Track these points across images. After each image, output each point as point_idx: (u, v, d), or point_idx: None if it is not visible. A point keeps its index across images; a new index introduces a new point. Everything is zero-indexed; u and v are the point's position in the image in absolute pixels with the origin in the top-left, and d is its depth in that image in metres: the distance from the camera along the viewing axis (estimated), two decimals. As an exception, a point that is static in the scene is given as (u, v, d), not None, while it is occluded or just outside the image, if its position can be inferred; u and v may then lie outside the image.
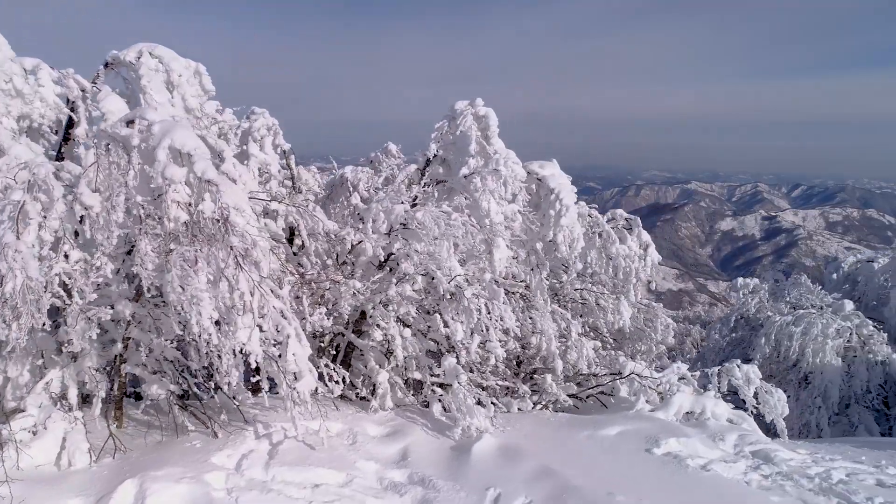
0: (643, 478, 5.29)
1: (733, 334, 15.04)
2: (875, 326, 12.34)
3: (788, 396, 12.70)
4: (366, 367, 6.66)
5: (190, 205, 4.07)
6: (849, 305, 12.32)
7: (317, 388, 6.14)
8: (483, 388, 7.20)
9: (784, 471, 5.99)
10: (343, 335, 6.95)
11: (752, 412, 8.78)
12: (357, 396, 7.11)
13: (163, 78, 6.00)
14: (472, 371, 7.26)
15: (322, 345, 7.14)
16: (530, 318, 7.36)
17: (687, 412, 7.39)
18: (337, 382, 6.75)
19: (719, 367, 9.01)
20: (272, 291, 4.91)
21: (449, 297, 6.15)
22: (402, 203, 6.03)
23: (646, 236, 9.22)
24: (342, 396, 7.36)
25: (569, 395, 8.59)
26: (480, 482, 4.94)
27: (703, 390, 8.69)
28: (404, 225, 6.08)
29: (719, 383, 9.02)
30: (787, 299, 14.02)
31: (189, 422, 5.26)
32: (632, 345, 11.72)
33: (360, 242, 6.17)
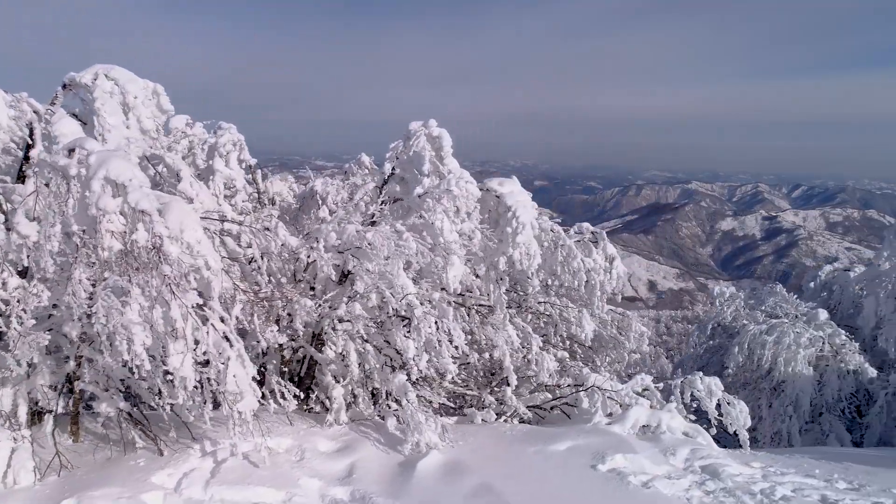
0: (583, 495, 5.40)
1: (711, 342, 15.14)
2: (848, 336, 12.45)
3: (760, 406, 12.82)
4: (323, 381, 6.78)
5: (124, 234, 4.18)
6: (823, 315, 12.42)
7: (272, 404, 6.26)
8: (440, 403, 7.31)
9: (728, 486, 6.09)
10: (305, 349, 7.07)
11: (714, 423, 8.90)
12: (324, 409, 7.23)
13: (119, 100, 6.11)
14: (430, 386, 7.37)
15: (285, 358, 7.26)
16: (484, 334, 7.48)
17: (644, 425, 7.49)
18: (296, 397, 6.88)
19: (682, 378, 9.12)
20: (217, 314, 5.03)
21: (400, 315, 6.26)
22: (353, 224, 6.14)
23: (611, 249, 9.32)
24: (309, 409, 7.49)
25: (533, 407, 8.70)
26: (420, 499, 5.05)
27: (665, 402, 8.80)
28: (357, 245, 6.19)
29: (682, 395, 9.13)
30: (763, 308, 14.12)
31: (139, 438, 5.38)
32: (606, 353, 11.84)
33: (314, 261, 6.28)
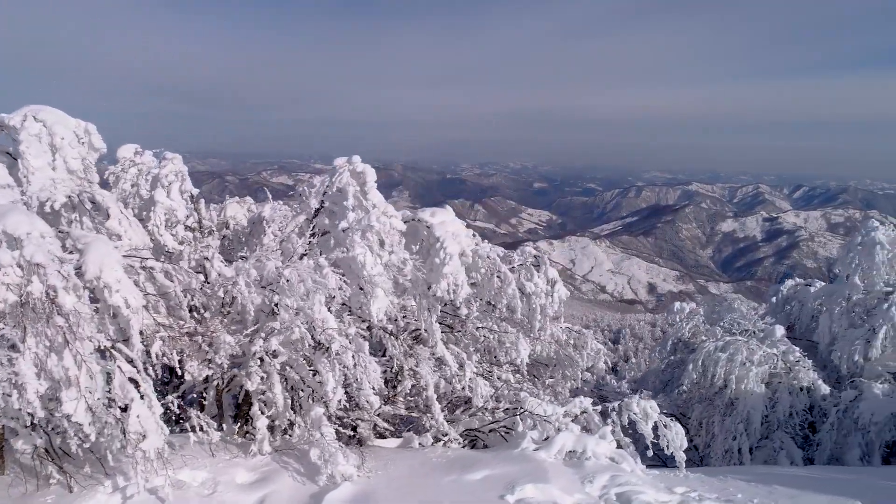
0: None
1: (672, 357, 15.29)
2: (803, 353, 12.60)
3: (713, 422, 12.98)
4: (249, 411, 6.97)
5: (20, 286, 4.38)
6: (779, 331, 12.58)
7: (197, 435, 6.46)
8: (384, 427, 7.49)
9: (637, 516, 6.26)
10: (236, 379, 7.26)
11: (651, 445, 9.08)
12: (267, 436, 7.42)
13: (47, 141, 6.32)
14: (361, 417, 7.56)
15: (219, 388, 7.45)
16: (407, 364, 7.66)
17: (570, 451, 7.66)
18: (221, 428, 7.06)
19: (620, 401, 9.29)
20: (124, 355, 5.23)
21: (320, 348, 6.46)
22: (271, 261, 6.33)
23: (553, 273, 9.50)
24: (246, 433, 7.69)
25: (470, 430, 8.89)
26: (320, 534, 5.23)
27: (601, 426, 8.98)
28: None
29: (620, 417, 9.33)
30: (722, 324, 14.29)
31: (56, 473, 5.57)
32: (562, 371, 12.01)
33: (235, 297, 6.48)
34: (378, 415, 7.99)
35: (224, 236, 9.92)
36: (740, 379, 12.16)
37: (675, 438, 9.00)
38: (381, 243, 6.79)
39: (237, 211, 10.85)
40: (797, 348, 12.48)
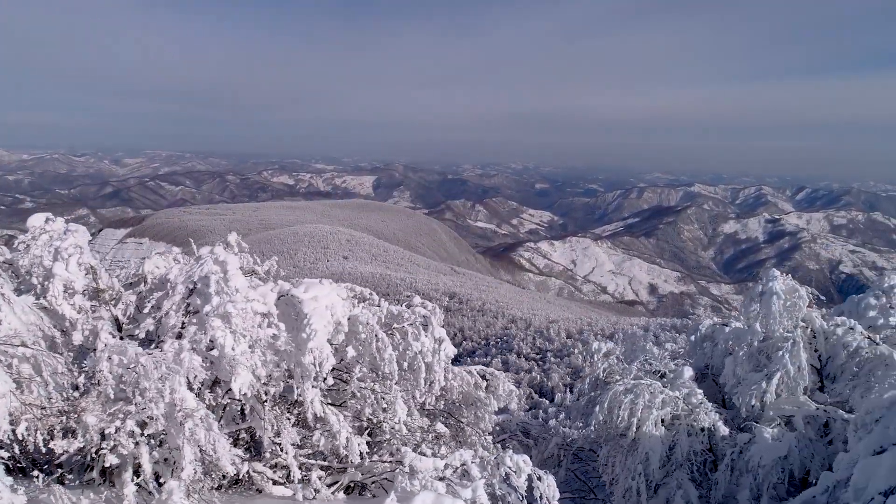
0: None
1: (591, 394, 15.86)
2: (706, 395, 13.19)
3: (615, 462, 13.60)
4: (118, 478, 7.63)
5: None
6: (687, 373, 13.16)
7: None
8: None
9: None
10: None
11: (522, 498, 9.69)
12: None
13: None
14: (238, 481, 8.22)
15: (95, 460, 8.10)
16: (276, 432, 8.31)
17: (429, 510, 8.26)
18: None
19: (495, 455, 9.92)
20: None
21: (175, 426, 7.10)
22: (130, 346, 6.98)
23: (440, 332, 10.11)
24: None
25: (353, 482, 9.53)
26: None
27: (477, 479, 9.59)
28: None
29: (498, 471, 9.94)
30: (636, 363, 14.87)
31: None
32: (474, 412, 12.62)
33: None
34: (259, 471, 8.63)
35: (139, 293, 10.56)
36: (642, 421, 12.79)
37: (548, 490, 9.60)
38: (246, 323, 7.43)
39: (158, 264, 11.49)
40: (700, 391, 13.07)
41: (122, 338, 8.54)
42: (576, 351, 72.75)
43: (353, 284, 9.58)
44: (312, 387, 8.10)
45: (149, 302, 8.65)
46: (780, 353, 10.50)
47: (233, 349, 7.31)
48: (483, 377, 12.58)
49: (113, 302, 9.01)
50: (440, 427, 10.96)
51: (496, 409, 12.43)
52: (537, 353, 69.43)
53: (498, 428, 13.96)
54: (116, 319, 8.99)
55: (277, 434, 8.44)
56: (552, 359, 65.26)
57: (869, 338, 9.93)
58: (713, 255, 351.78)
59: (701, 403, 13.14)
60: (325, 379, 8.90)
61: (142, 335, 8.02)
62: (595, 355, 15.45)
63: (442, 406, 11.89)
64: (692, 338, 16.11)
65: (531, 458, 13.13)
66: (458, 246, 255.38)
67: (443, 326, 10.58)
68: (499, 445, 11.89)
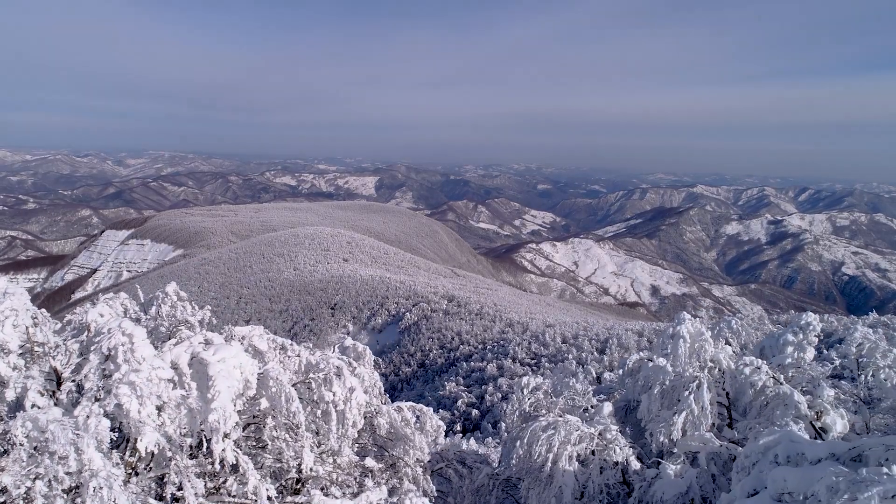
0: None
1: (518, 427, 16.64)
2: (619, 431, 14.03)
3: (531, 496, 14.46)
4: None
5: None
6: (606, 409, 13.98)
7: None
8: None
9: None
10: None
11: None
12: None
13: None
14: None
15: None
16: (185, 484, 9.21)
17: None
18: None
19: (397, 498, 10.81)
20: None
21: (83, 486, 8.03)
22: (42, 413, 7.89)
23: (351, 382, 11.00)
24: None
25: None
26: None
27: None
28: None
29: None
30: (562, 398, 15.72)
31: None
32: (404, 449, 13.50)
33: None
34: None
35: (82, 342, 11.48)
36: (558, 456, 13.64)
37: (448, 529, 10.50)
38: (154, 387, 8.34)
39: (103, 312, 12.40)
40: (615, 427, 13.87)
41: (59, 386, 9.46)
42: (570, 356, 73.69)
43: (275, 336, 10.58)
44: (223, 438, 9.04)
45: (68, 367, 9.65)
46: (687, 392, 11.46)
47: (138, 413, 8.24)
48: (415, 414, 13.56)
49: (52, 355, 9.92)
50: (370, 462, 11.93)
51: (422, 446, 13.34)
52: (532, 358, 70.08)
53: (438, 456, 14.91)
54: (55, 370, 9.89)
55: (179, 487, 9.37)
56: (546, 364, 65.95)
57: (773, 377, 10.72)
58: (715, 257, 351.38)
59: (615, 439, 14.06)
60: (227, 435, 9.82)
61: (64, 398, 8.97)
62: (523, 390, 16.31)
63: (373, 441, 12.85)
64: (620, 371, 16.96)
65: (463, 487, 14.17)
66: (459, 247, 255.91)
67: (374, 363, 11.50)
68: (428, 477, 12.89)
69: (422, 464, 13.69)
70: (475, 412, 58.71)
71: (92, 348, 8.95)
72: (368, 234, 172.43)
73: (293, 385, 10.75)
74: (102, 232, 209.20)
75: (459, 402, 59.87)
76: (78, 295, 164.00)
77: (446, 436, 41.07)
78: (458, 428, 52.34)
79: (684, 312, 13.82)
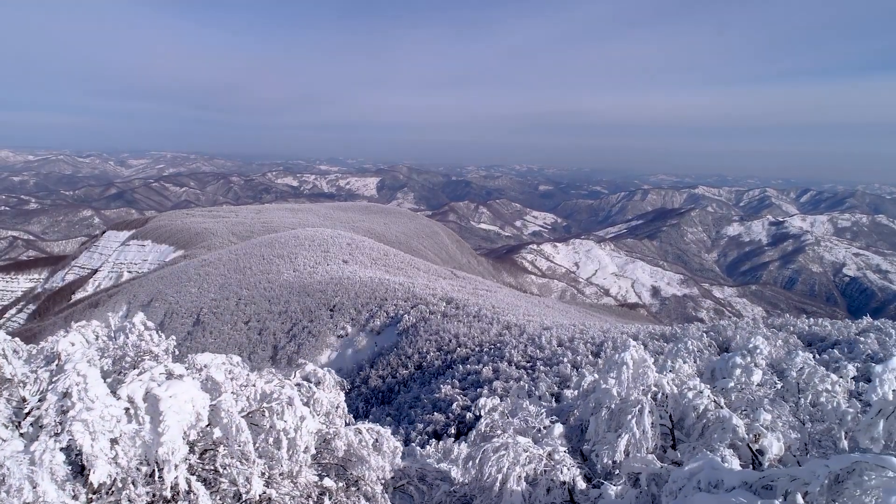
0: None
1: (481, 444, 17.28)
2: (568, 451, 14.71)
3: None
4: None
5: None
6: (557, 430, 14.61)
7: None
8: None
9: None
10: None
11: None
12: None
13: None
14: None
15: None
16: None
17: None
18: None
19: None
20: None
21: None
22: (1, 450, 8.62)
23: (302, 411, 11.70)
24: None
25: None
26: None
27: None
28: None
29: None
30: (517, 419, 16.40)
31: None
32: (363, 470, 14.19)
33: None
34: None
35: (51, 370, 12.21)
36: (507, 477, 14.35)
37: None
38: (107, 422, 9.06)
39: (73, 341, 13.10)
40: (563, 448, 14.49)
41: (28, 415, 10.17)
42: (565, 360, 74.11)
43: (233, 366, 11.24)
44: (175, 468, 9.71)
45: (37, 395, 10.37)
46: (629, 416, 12.18)
47: (91, 447, 8.97)
48: (373, 436, 14.23)
49: (22, 384, 10.68)
50: (328, 482, 12.65)
51: (380, 466, 14.04)
52: (528, 361, 70.39)
53: (400, 473, 15.66)
54: (24, 399, 10.61)
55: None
56: (541, 367, 66.37)
57: (714, 401, 11.40)
58: (717, 258, 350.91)
59: (563, 460, 14.75)
60: (176, 466, 10.53)
61: (29, 430, 9.66)
62: (482, 410, 16.99)
63: (334, 462, 13.53)
64: (574, 392, 17.64)
65: (423, 502, 14.91)
66: (460, 248, 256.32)
67: (338, 386, 12.22)
68: (387, 496, 13.57)
69: (382, 482, 14.42)
70: (469, 415, 59.20)
71: (49, 388, 9.69)
72: (369, 235, 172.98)
73: (248, 414, 11.52)
74: (103, 232, 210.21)
75: (454, 405, 60.18)
76: (78, 295, 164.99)
77: (440, 439, 41.48)
78: (453, 431, 52.63)
79: (630, 339, 14.59)
